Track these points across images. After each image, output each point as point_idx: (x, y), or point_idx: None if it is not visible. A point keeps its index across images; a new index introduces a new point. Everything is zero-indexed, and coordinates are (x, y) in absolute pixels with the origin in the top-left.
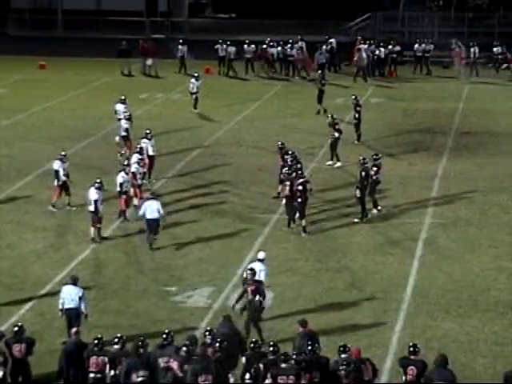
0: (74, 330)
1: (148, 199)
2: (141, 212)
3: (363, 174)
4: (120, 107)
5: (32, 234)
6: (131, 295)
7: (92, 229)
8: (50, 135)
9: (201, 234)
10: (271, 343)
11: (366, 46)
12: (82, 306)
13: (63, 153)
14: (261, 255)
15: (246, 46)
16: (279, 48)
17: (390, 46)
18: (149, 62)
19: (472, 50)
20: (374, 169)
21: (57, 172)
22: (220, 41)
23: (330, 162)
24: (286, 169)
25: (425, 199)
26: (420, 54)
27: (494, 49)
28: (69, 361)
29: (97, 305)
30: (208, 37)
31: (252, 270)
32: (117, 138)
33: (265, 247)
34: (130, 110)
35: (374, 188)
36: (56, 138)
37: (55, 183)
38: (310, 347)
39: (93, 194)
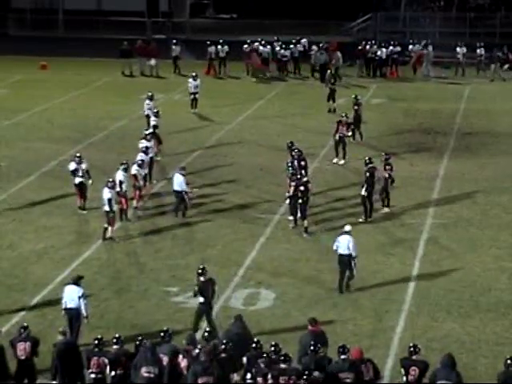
0: (60, 329)
1: (176, 173)
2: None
3: (367, 174)
4: (147, 103)
5: (33, 234)
6: (132, 296)
7: (110, 228)
8: (50, 135)
9: (202, 234)
10: (273, 343)
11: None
12: (82, 306)
13: (78, 154)
14: (347, 228)
15: (245, 46)
16: (277, 48)
17: (391, 47)
18: (152, 62)
19: (459, 50)
20: (388, 167)
21: (73, 172)
22: (221, 41)
23: (336, 160)
24: (291, 168)
25: (426, 199)
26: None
27: (478, 50)
28: (61, 361)
29: (98, 305)
30: (209, 37)
31: (204, 268)
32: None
33: (266, 248)
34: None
35: (387, 187)
36: (57, 139)
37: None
38: (312, 347)
39: (106, 194)
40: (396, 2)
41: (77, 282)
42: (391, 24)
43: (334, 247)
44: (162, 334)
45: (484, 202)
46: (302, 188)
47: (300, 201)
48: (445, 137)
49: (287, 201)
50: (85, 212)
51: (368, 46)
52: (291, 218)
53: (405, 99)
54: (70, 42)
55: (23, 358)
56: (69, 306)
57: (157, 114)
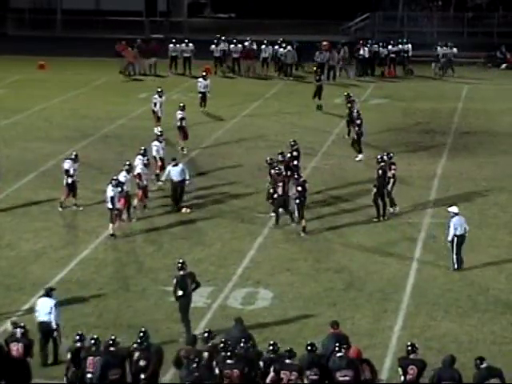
0: (13, 319)
1: (173, 166)
2: (163, 177)
3: (380, 172)
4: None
5: (31, 233)
6: (130, 295)
7: (110, 225)
8: (49, 135)
9: (200, 234)
10: (271, 342)
11: None
12: (52, 317)
13: (74, 153)
14: (455, 209)
15: (233, 45)
16: (277, 48)
17: (389, 46)
18: (151, 60)
19: (439, 49)
20: (394, 167)
21: (67, 171)
22: (215, 41)
23: (361, 156)
24: (277, 168)
25: (424, 199)
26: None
27: (400, 46)
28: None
29: (96, 305)
30: (207, 37)
31: (183, 263)
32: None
33: (264, 247)
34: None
35: (392, 187)
36: (55, 138)
37: (64, 183)
38: (309, 347)
39: (109, 191)
40: (394, 2)
41: (50, 293)
42: (389, 24)
43: (452, 230)
44: (141, 334)
45: (482, 201)
46: (299, 188)
47: (297, 201)
48: (443, 136)
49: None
50: (81, 208)
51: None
52: (273, 214)
53: (403, 99)
54: (69, 42)
55: (17, 357)
56: (42, 319)
57: (183, 108)
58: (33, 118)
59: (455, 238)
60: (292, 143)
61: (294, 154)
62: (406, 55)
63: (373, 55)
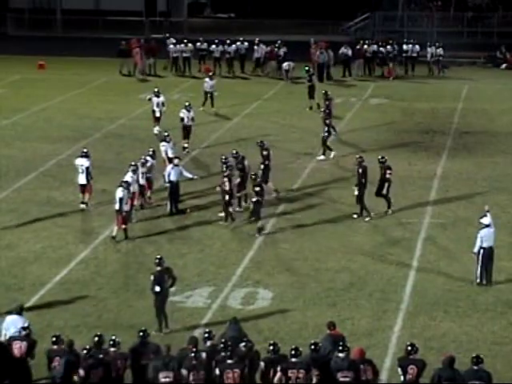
0: None
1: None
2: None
3: (360, 171)
4: (155, 100)
5: (31, 234)
6: (130, 295)
7: (116, 228)
8: (48, 135)
9: (200, 234)
10: (271, 342)
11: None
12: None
13: (85, 149)
14: (485, 220)
15: (226, 46)
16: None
17: (388, 46)
18: (150, 60)
19: (428, 49)
20: (389, 171)
21: (88, 169)
22: (216, 41)
23: (333, 154)
24: (225, 166)
25: (424, 199)
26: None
27: (374, 46)
28: None
29: (96, 304)
30: (207, 37)
31: (160, 258)
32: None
33: (264, 247)
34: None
35: (388, 190)
36: (55, 138)
37: (86, 181)
38: (312, 346)
39: (119, 193)
40: (394, 2)
41: (21, 311)
42: (389, 23)
43: (478, 242)
44: (141, 333)
45: (482, 201)
46: (257, 188)
47: (254, 199)
48: (443, 136)
49: (227, 197)
50: (83, 207)
51: (366, 46)
52: (222, 214)
53: (403, 99)
54: (68, 42)
55: (18, 356)
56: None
57: (189, 108)
58: (33, 117)
59: (481, 251)
60: (260, 144)
61: (264, 153)
62: (405, 55)
63: (372, 55)
